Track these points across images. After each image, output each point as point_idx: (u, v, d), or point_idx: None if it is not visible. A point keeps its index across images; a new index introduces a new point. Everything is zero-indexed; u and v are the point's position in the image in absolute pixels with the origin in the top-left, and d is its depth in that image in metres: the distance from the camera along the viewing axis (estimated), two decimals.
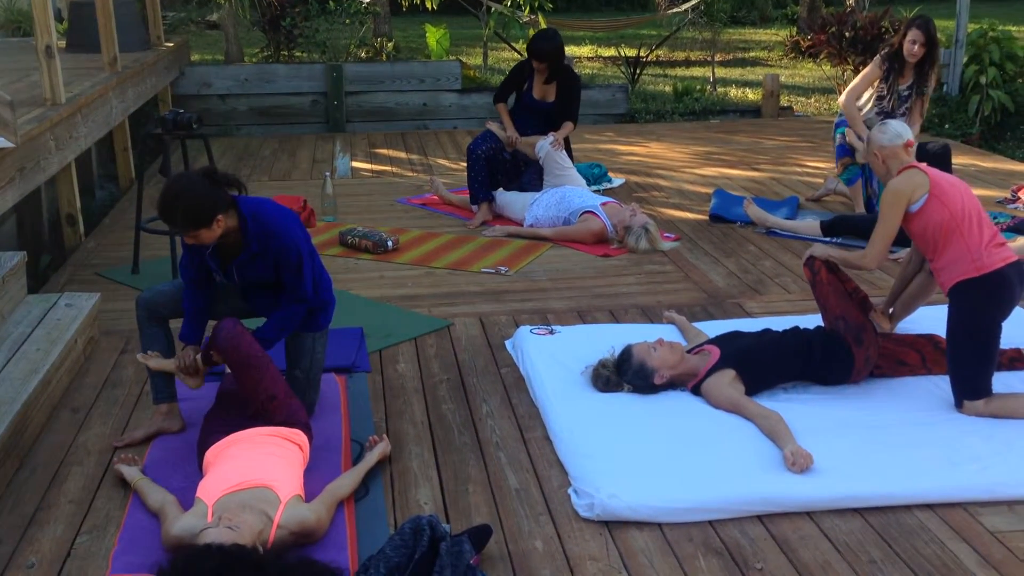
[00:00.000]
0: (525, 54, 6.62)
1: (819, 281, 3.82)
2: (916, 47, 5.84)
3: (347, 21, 11.17)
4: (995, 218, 5.68)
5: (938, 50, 5.97)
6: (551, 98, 6.36)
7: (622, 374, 3.77)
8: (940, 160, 5.55)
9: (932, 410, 3.61)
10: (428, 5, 11.58)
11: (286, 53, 10.71)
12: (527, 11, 11.13)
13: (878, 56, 6.07)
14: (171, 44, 9.31)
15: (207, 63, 11.16)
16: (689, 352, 3.86)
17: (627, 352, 3.79)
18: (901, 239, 3.89)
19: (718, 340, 3.90)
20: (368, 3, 11.66)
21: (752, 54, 15.42)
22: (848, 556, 2.86)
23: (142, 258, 5.33)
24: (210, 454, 3.10)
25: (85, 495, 3.20)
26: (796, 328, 3.92)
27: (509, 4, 11.22)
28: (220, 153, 8.37)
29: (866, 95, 6.17)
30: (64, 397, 3.88)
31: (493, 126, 6.43)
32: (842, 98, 6.17)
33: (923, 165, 3.69)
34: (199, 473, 3.14)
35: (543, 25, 11.16)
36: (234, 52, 11.10)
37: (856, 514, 3.05)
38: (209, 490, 2.88)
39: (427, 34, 11.86)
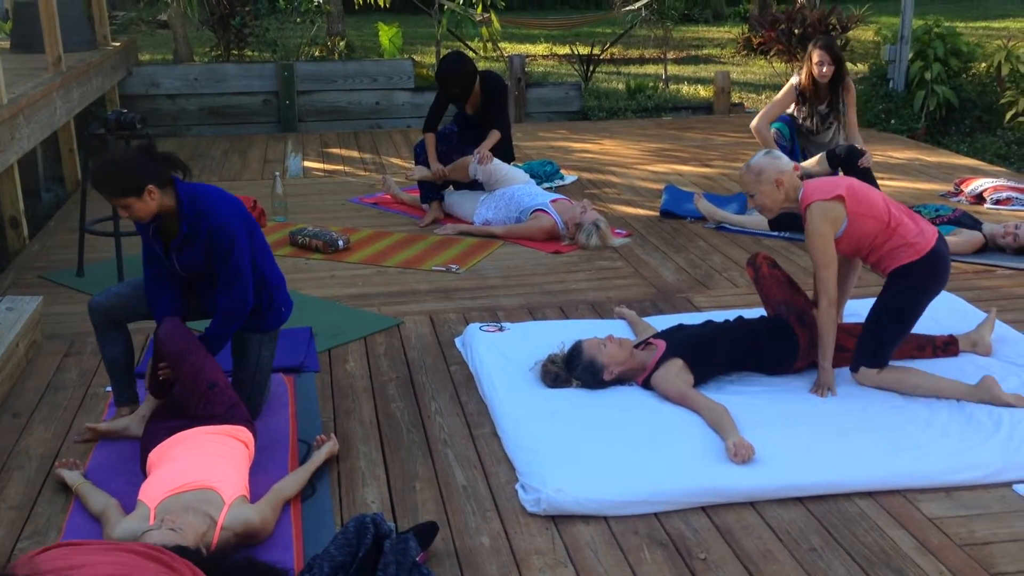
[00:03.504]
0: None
1: (762, 276, 3.91)
2: (824, 68, 5.98)
3: (298, 20, 11.09)
4: (938, 210, 5.78)
5: (845, 66, 6.12)
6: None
7: (571, 370, 3.79)
8: (848, 161, 5.75)
9: (871, 399, 3.67)
10: (381, 3, 11.53)
11: (236, 52, 10.61)
12: (480, 9, 11.13)
13: (791, 82, 6.15)
14: (118, 44, 9.19)
15: (156, 63, 11.03)
16: (636, 347, 3.89)
17: (577, 348, 3.81)
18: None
19: (664, 334, 3.94)
20: (320, 2, 11.59)
21: (704, 51, 15.55)
22: (789, 544, 2.90)
23: (87, 260, 5.25)
24: (153, 455, 3.08)
25: (26, 500, 3.16)
26: (740, 317, 3.99)
27: (462, 2, 11.21)
28: None
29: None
30: (5, 401, 3.82)
31: (417, 174, 6.24)
32: (755, 121, 6.21)
33: (821, 184, 3.68)
34: (142, 476, 3.11)
35: (496, 24, 11.18)
36: (183, 52, 10.98)
37: (798, 503, 3.10)
38: (151, 492, 2.86)
39: (380, 33, 11.81)
